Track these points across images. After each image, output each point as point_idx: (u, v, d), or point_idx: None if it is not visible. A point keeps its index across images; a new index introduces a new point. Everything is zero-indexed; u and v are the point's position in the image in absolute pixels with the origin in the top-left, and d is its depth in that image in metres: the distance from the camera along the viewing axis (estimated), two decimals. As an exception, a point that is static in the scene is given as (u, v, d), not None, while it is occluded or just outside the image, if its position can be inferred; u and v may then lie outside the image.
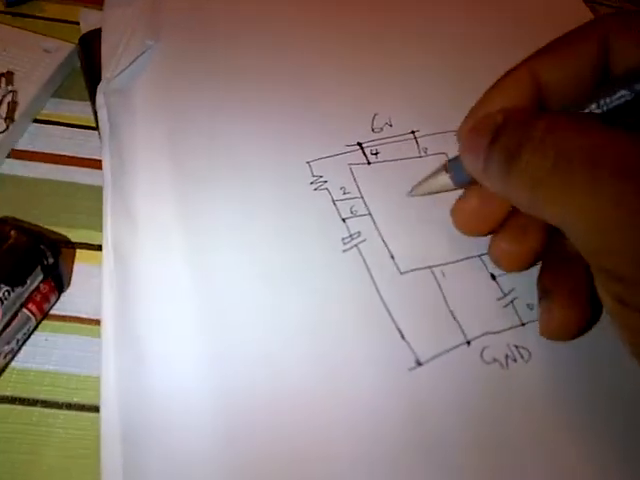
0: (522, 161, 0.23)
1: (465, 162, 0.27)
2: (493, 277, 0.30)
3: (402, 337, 0.28)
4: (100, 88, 0.36)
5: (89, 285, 0.32)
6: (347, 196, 0.32)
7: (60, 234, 0.34)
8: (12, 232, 0.29)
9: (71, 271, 0.32)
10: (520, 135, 0.24)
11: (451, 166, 0.29)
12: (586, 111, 0.24)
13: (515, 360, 0.28)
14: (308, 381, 0.27)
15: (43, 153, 0.37)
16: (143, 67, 0.37)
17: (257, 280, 0.29)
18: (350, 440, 0.26)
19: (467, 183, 0.28)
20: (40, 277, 0.29)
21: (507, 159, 0.24)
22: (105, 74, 0.36)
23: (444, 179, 0.29)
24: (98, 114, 0.35)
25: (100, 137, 0.34)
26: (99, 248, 0.32)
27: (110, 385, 0.26)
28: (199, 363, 0.27)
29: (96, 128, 0.36)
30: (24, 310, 0.29)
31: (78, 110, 0.39)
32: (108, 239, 0.30)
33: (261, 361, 0.27)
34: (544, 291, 0.28)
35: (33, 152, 0.37)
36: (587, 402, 0.27)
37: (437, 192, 0.31)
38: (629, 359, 0.23)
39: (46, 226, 0.34)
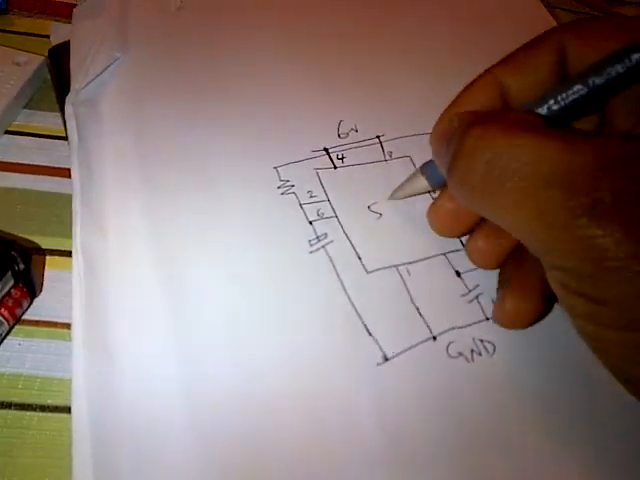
0: (458, 169, 0.25)
1: (437, 164, 0.28)
2: (458, 274, 0.31)
3: (369, 334, 0.29)
4: (69, 99, 0.36)
5: (61, 290, 0.32)
6: (314, 199, 0.33)
7: (31, 241, 0.34)
8: (-17, 239, 0.29)
9: (42, 277, 0.33)
10: (458, 142, 0.25)
11: (426, 169, 0.30)
12: (543, 107, 0.25)
13: (480, 354, 0.28)
14: (277, 378, 0.28)
15: (14, 163, 0.37)
16: (111, 79, 0.37)
17: (226, 281, 0.30)
18: (320, 434, 0.26)
19: (443, 184, 0.29)
20: (11, 282, 0.29)
21: (450, 166, 0.25)
22: (74, 85, 0.37)
23: (421, 182, 0.30)
24: (67, 125, 0.35)
25: (69, 147, 0.35)
26: (70, 254, 0.32)
27: (80, 386, 0.27)
28: (169, 364, 0.28)
29: (66, 138, 0.36)
30: (-4, 315, 0.29)
31: (49, 121, 0.39)
32: (78, 247, 0.31)
33: (230, 360, 0.28)
34: (502, 281, 0.29)
35: (5, 162, 0.37)
36: (550, 393, 0.28)
37: (416, 194, 0.32)
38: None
39: (17, 234, 0.34)
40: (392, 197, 0.33)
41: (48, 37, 0.42)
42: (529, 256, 0.26)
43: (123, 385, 0.27)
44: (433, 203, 0.30)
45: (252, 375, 0.28)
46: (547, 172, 0.22)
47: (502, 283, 0.29)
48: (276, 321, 0.29)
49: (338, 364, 0.28)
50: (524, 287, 0.28)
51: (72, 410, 0.26)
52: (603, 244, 0.20)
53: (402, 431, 0.26)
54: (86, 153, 0.34)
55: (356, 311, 0.29)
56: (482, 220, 0.29)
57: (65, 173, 0.36)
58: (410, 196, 0.32)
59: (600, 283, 0.21)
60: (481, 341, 0.29)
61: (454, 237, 0.31)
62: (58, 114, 0.39)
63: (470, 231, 0.30)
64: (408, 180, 0.31)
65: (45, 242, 0.34)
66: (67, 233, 0.33)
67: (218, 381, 0.27)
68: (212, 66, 0.39)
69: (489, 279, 0.30)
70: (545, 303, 0.28)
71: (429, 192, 0.32)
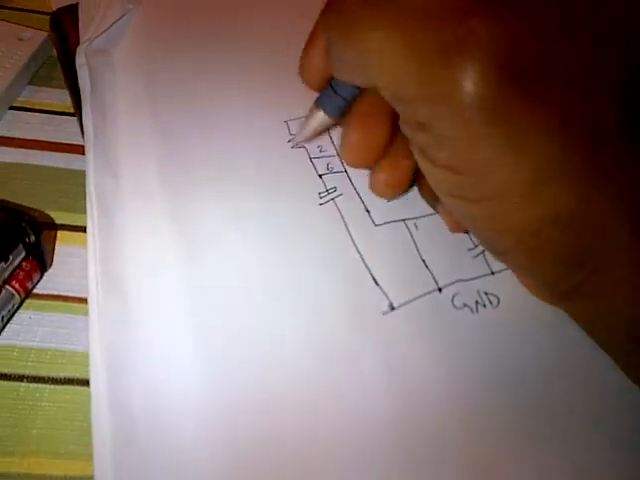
0: (329, 11, 0.24)
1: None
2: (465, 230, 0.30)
3: (376, 283, 0.29)
4: (80, 50, 0.36)
5: (71, 265, 0.32)
6: (324, 154, 0.33)
7: (42, 212, 0.34)
8: (-7, 209, 0.29)
9: (53, 251, 0.33)
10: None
11: (321, 102, 0.29)
12: None
13: (484, 306, 0.29)
14: (285, 323, 0.28)
15: (19, 139, 0.37)
16: (124, 29, 0.38)
17: (236, 233, 0.30)
18: (328, 384, 0.27)
19: (341, 112, 0.28)
20: (22, 254, 0.30)
21: (322, 15, 0.25)
22: (84, 37, 0.37)
23: (319, 117, 0.29)
24: (78, 74, 0.36)
25: (79, 116, 0.35)
26: (81, 229, 0.33)
27: (97, 357, 0.27)
28: (183, 326, 0.28)
29: (74, 114, 0.37)
30: (7, 287, 0.29)
31: (54, 97, 0.39)
32: (92, 191, 0.31)
33: (245, 313, 0.28)
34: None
35: (10, 138, 0.37)
36: (552, 345, 0.28)
37: (320, 133, 0.31)
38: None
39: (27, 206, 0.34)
40: (295, 142, 0.32)
41: (49, 14, 0.42)
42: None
43: (141, 355, 0.27)
44: (341, 139, 0.29)
45: (265, 324, 0.28)
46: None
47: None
48: (285, 269, 0.30)
49: (345, 312, 0.28)
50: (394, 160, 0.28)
51: (90, 382, 0.26)
52: (466, 87, 0.20)
53: (408, 376, 0.27)
54: (99, 101, 0.35)
55: (364, 262, 0.30)
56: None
57: (70, 149, 0.37)
58: (315, 137, 0.31)
59: (459, 146, 0.21)
60: (486, 294, 0.29)
61: (368, 167, 0.30)
62: (63, 90, 0.39)
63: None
64: (307, 120, 0.30)
65: (56, 216, 0.34)
66: (76, 208, 0.33)
67: (233, 339, 0.28)
68: (226, 14, 0.39)
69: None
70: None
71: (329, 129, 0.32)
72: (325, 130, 0.31)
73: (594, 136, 0.20)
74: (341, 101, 0.28)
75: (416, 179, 0.29)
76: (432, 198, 0.29)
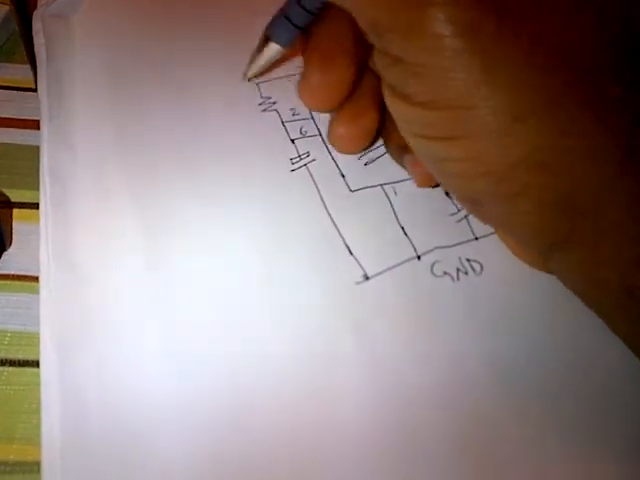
0: None
1: None
2: (447, 194, 0.29)
3: (350, 253, 0.28)
4: (36, 14, 0.35)
5: (30, 244, 0.31)
6: (297, 117, 0.32)
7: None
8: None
9: (11, 230, 0.31)
10: None
11: (272, 31, 0.28)
12: None
13: (466, 273, 0.27)
14: (255, 292, 0.27)
15: (-19, 116, 0.36)
16: None
17: (203, 200, 0.29)
18: (298, 360, 0.25)
19: (293, 38, 0.27)
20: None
21: None
22: (42, 0, 0.36)
23: (271, 48, 0.28)
24: (34, 40, 0.34)
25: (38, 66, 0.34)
26: (38, 207, 0.31)
27: (47, 337, 0.26)
28: (140, 307, 0.26)
29: (35, 90, 0.35)
30: (-35, 270, 0.28)
31: (17, 73, 0.38)
32: (44, 164, 0.30)
33: (209, 282, 0.27)
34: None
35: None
36: (536, 310, 0.27)
37: (271, 66, 0.30)
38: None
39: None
40: (248, 76, 0.31)
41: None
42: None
43: (95, 336, 0.26)
44: (301, 79, 0.28)
45: (233, 296, 0.27)
46: None
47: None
48: (254, 241, 0.28)
49: (317, 283, 0.27)
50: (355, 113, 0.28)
51: (40, 364, 0.25)
52: (439, 15, 0.19)
53: (379, 349, 0.26)
54: (55, 71, 0.33)
55: (338, 231, 0.28)
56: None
57: (34, 125, 0.35)
58: (266, 70, 0.30)
59: (434, 78, 0.20)
60: (468, 260, 0.28)
61: (329, 111, 0.29)
62: (26, 66, 0.37)
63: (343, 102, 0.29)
64: (257, 50, 0.29)
65: (13, 195, 0.33)
66: (36, 185, 0.32)
67: (195, 314, 0.26)
68: None
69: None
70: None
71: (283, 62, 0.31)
72: (278, 63, 0.30)
73: (579, 70, 0.20)
74: (293, 29, 0.27)
75: (382, 133, 0.28)
76: (399, 149, 0.27)
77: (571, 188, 0.20)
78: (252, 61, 0.30)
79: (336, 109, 0.29)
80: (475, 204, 0.23)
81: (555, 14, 0.20)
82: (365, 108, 0.27)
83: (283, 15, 0.27)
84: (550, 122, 0.19)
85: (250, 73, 0.30)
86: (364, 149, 0.30)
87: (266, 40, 0.28)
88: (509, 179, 0.20)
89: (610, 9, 0.20)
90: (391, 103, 0.23)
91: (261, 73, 0.30)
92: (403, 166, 0.28)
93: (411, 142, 0.23)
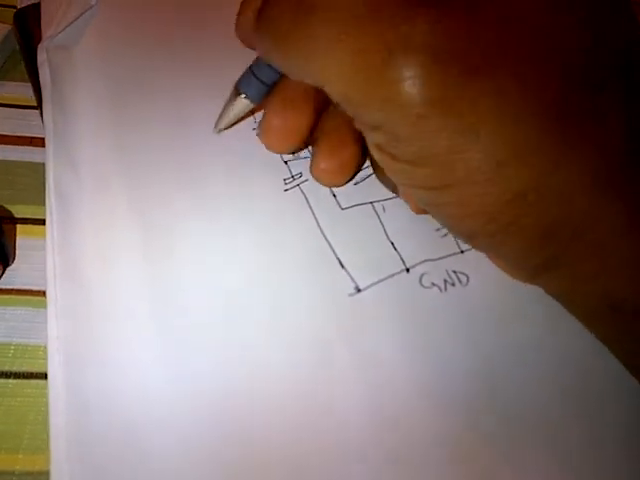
0: (266, 17, 0.23)
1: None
2: None
3: (342, 266, 0.29)
4: (42, 46, 0.36)
5: (34, 258, 0.32)
6: None
7: (2, 207, 0.33)
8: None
9: (14, 245, 0.32)
10: None
11: (242, 86, 0.28)
12: None
13: (453, 284, 0.28)
14: (254, 310, 0.28)
15: (-17, 133, 0.36)
16: (85, 25, 0.37)
17: (200, 218, 0.30)
18: (293, 367, 0.26)
19: (264, 95, 0.28)
20: (-18, 250, 0.29)
21: (257, 19, 0.24)
22: (46, 34, 0.36)
23: (241, 102, 0.29)
24: (40, 71, 0.35)
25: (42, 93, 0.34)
26: (42, 222, 0.32)
27: (54, 351, 0.26)
28: (145, 322, 0.27)
29: (37, 107, 0.36)
30: (-31, 284, 0.29)
31: (18, 91, 0.39)
32: (50, 182, 0.31)
33: (205, 295, 0.28)
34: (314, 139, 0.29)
35: (-30, 132, 0.36)
36: (523, 319, 0.28)
37: (241, 119, 0.31)
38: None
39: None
40: (217, 128, 0.31)
41: (14, 7, 0.41)
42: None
43: (100, 348, 0.26)
44: (261, 123, 0.29)
45: (231, 313, 0.28)
46: (354, 9, 0.20)
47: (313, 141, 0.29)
48: (250, 256, 0.29)
49: (311, 298, 0.28)
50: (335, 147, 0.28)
51: (48, 377, 0.26)
52: (411, 86, 0.20)
53: (371, 356, 0.27)
54: (59, 96, 0.34)
55: (330, 246, 0.29)
56: (318, 139, 0.29)
57: (35, 142, 0.36)
58: (236, 123, 0.31)
59: (415, 142, 0.21)
60: (454, 272, 0.29)
61: (292, 152, 0.31)
62: (27, 84, 0.38)
63: (304, 146, 0.30)
64: (227, 105, 0.30)
65: (16, 210, 0.34)
66: (38, 201, 0.32)
67: (197, 331, 0.27)
68: (188, 12, 0.38)
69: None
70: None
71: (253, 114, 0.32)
72: (248, 115, 0.30)
73: (549, 117, 0.20)
74: (262, 85, 0.27)
75: (372, 166, 0.29)
76: (391, 183, 0.28)
77: (557, 219, 0.21)
78: (223, 114, 0.30)
79: (296, 151, 0.30)
80: (468, 237, 0.24)
81: (519, 66, 0.20)
82: (343, 142, 0.28)
83: (251, 71, 0.27)
84: (531, 163, 0.20)
85: (220, 126, 0.31)
86: (348, 181, 0.31)
87: (236, 94, 0.29)
88: (498, 218, 0.21)
89: (572, 56, 0.21)
90: (377, 157, 0.24)
91: (231, 125, 0.31)
92: (396, 193, 0.29)
93: (401, 189, 0.24)
